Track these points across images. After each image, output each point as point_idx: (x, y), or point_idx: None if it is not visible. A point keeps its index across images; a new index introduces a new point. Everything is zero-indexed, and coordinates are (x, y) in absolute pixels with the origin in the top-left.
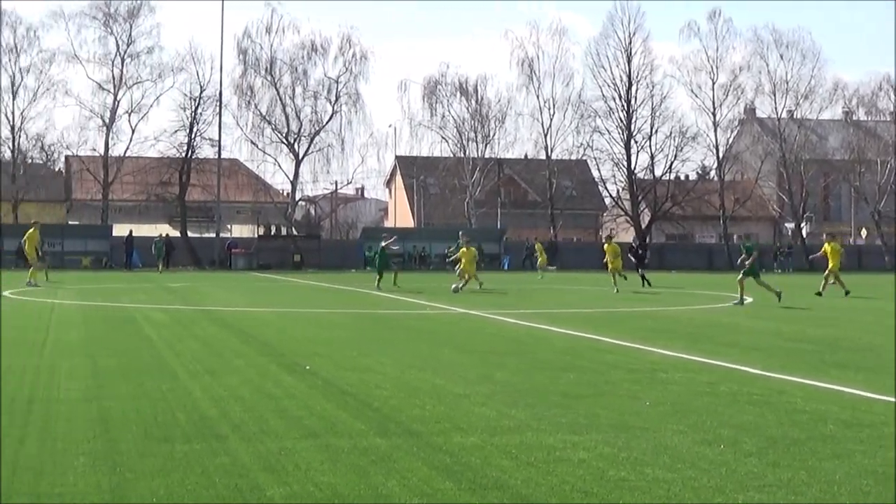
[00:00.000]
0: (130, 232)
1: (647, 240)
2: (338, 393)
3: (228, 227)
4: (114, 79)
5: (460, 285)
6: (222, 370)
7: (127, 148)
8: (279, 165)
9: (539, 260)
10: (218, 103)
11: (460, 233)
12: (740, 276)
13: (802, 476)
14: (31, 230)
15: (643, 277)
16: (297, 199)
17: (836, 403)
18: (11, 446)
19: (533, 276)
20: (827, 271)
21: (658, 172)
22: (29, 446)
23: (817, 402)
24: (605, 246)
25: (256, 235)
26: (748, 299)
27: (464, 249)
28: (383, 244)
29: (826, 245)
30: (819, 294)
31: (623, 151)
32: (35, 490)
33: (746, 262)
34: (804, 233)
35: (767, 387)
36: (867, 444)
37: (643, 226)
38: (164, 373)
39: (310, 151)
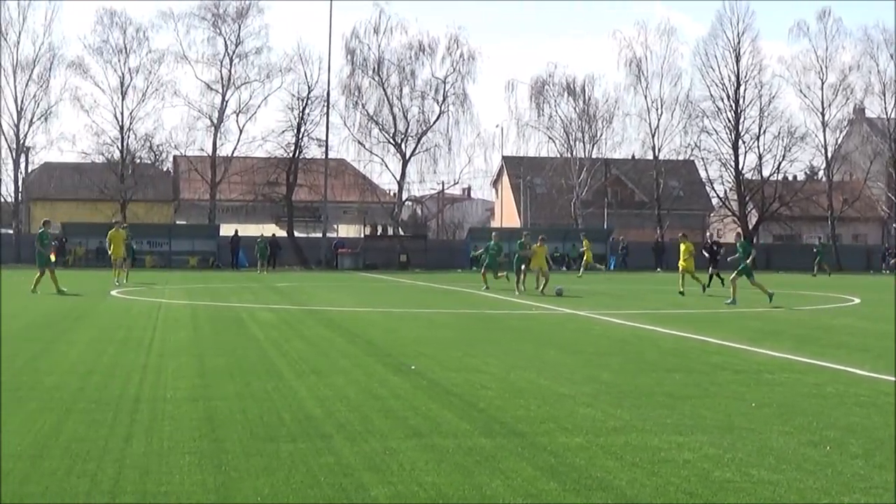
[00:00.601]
0: (236, 232)
1: (755, 240)
2: (443, 393)
3: (335, 226)
4: (222, 79)
5: (542, 287)
6: (328, 370)
7: (234, 148)
8: (386, 165)
9: (585, 258)
10: (325, 103)
11: (524, 233)
12: (733, 274)
13: None
14: (112, 230)
15: (712, 277)
16: (403, 199)
17: None
18: (118, 445)
19: (634, 275)
20: None
21: (766, 173)
22: (136, 445)
23: None
24: (682, 246)
25: (363, 235)
26: (855, 300)
27: (536, 246)
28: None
29: None
30: None
31: (731, 152)
32: (141, 489)
33: (745, 262)
34: None
35: (875, 388)
36: None
37: (750, 226)
38: (270, 373)
39: (417, 151)
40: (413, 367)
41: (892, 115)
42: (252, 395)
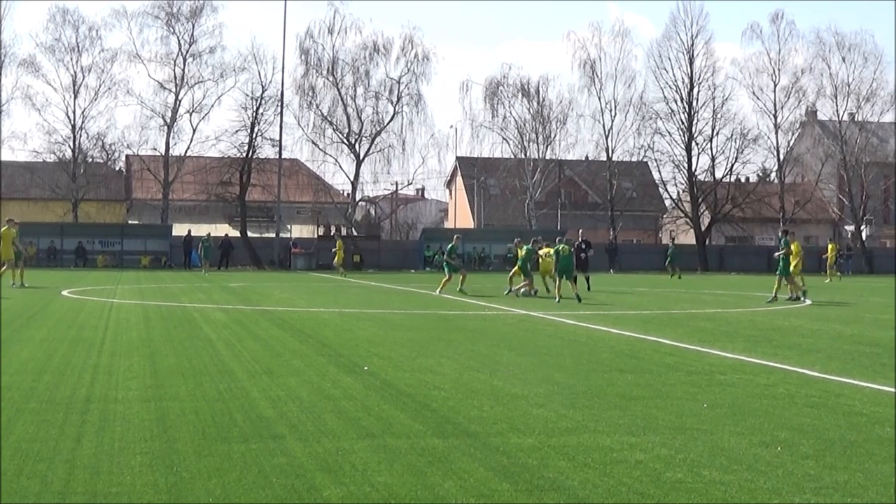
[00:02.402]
0: (189, 232)
1: (707, 241)
2: (396, 394)
3: (288, 227)
4: (175, 78)
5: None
6: (280, 370)
7: (188, 147)
8: (340, 166)
9: (336, 259)
10: (279, 103)
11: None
12: (518, 273)
13: (859, 478)
14: (4, 228)
15: (575, 279)
16: (357, 199)
17: (894, 406)
18: (68, 445)
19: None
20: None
21: (718, 174)
22: (86, 446)
23: (875, 405)
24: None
25: (316, 236)
26: (807, 301)
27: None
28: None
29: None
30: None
31: (684, 153)
32: (92, 489)
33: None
34: (864, 235)
35: (825, 389)
36: None
37: (703, 228)
38: (222, 373)
39: (370, 152)
40: (366, 368)
41: (844, 118)
42: (204, 396)
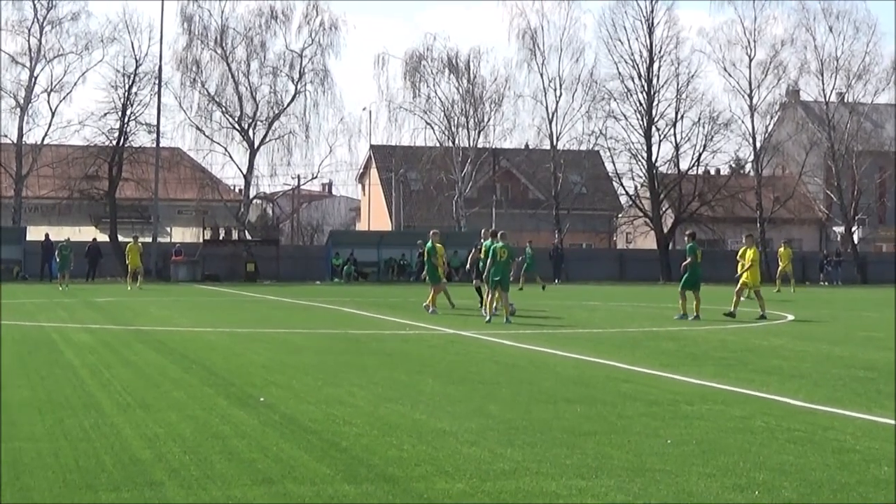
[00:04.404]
0: (47, 236)
1: (671, 246)
2: (298, 430)
3: (168, 229)
4: (30, 50)
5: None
6: (158, 404)
7: (45, 134)
8: (230, 156)
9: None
10: (157, 81)
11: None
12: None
13: None
14: None
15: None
16: (251, 196)
17: (893, 441)
18: None
19: (530, 288)
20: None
21: (684, 166)
22: None
23: (870, 440)
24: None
25: (201, 240)
26: (788, 317)
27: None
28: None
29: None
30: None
31: (642, 141)
32: None
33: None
34: (856, 238)
35: (811, 422)
36: None
37: (665, 230)
38: (87, 407)
39: (267, 139)
40: (262, 400)
41: (832, 99)
42: (66, 435)
